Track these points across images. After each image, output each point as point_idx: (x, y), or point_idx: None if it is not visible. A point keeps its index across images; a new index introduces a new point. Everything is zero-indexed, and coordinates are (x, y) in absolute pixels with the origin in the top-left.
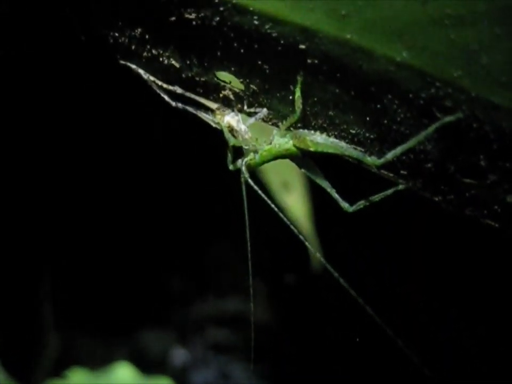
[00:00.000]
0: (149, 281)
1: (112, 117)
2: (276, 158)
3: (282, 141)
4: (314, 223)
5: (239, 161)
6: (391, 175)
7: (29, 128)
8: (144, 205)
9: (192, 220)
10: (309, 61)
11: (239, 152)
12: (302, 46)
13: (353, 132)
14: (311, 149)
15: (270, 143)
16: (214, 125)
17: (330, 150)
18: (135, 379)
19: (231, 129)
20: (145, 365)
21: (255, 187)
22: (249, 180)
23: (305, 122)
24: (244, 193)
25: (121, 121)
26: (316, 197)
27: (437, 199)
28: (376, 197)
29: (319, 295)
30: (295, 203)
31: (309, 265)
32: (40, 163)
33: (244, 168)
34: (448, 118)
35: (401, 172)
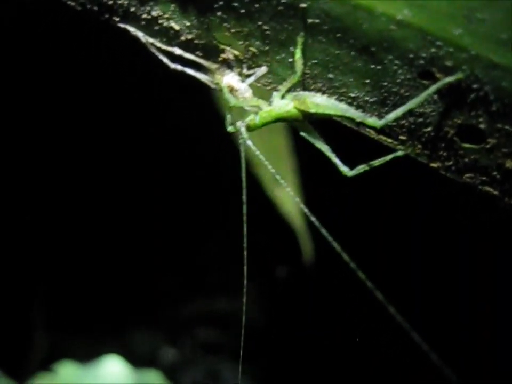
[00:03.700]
0: (138, 280)
1: (105, 112)
2: (276, 120)
3: (282, 102)
4: (306, 217)
5: (239, 122)
6: (390, 140)
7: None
8: (135, 204)
9: (183, 219)
10: (309, 20)
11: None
12: (303, 5)
13: (353, 95)
14: (312, 111)
15: (270, 105)
16: (213, 86)
17: (331, 112)
18: (124, 372)
19: (231, 90)
20: (134, 364)
21: (254, 147)
22: (249, 141)
23: (304, 85)
24: (242, 155)
25: (114, 118)
26: (307, 191)
27: (435, 165)
28: (375, 162)
29: (310, 292)
30: (286, 197)
31: (300, 259)
32: (36, 162)
33: (243, 129)
34: (449, 79)
35: (400, 137)
